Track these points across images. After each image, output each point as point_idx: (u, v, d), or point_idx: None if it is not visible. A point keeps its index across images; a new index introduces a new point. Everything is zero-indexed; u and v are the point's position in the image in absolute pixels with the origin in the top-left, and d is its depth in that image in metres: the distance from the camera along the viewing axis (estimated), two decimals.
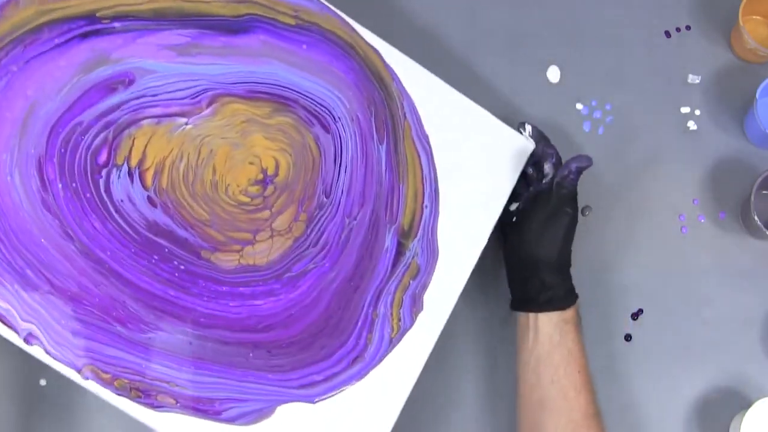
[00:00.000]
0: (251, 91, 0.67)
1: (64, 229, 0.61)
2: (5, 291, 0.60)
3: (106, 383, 0.60)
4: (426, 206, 0.67)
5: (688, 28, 0.82)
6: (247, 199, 0.65)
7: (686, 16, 0.83)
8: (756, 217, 0.72)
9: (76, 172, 0.62)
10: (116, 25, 0.64)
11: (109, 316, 0.61)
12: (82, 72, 0.63)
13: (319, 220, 0.66)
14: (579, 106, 0.80)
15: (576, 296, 0.68)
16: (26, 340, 0.60)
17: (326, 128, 0.67)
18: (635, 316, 0.76)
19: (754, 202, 0.72)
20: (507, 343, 0.74)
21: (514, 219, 0.71)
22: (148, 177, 0.64)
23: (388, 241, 0.66)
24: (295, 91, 0.67)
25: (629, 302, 0.76)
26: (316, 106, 0.68)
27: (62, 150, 0.62)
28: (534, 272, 0.67)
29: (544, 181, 0.70)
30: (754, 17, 0.81)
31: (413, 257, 0.66)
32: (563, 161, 0.77)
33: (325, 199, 0.66)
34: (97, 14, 0.64)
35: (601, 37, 0.82)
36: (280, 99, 0.67)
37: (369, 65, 0.69)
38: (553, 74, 0.81)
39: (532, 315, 0.66)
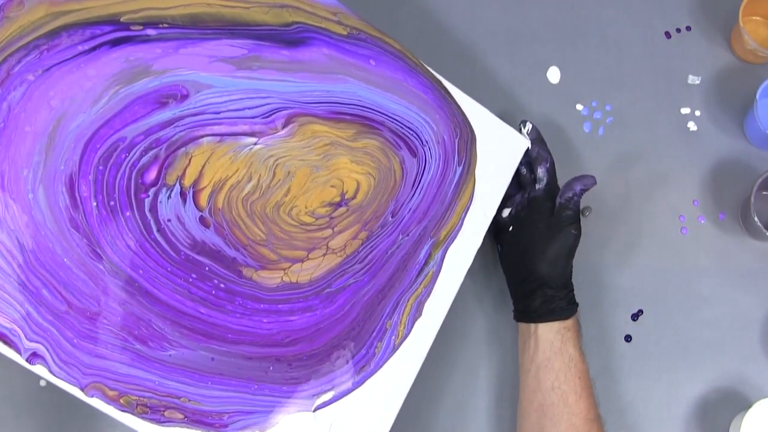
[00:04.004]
0: (333, 112, 0.64)
1: (92, 248, 0.58)
2: (13, 311, 0.57)
3: (111, 400, 0.58)
4: (461, 218, 0.68)
5: (688, 28, 0.82)
6: (311, 220, 0.63)
7: (686, 16, 0.83)
8: (756, 218, 0.72)
9: (117, 190, 0.59)
10: (150, 32, 0.60)
11: (130, 335, 0.59)
12: (121, 83, 0.59)
13: (377, 238, 0.65)
14: (579, 106, 0.80)
15: (576, 305, 0.68)
16: (29, 360, 0.57)
17: (413, 152, 0.66)
18: (635, 316, 0.76)
19: (754, 202, 0.72)
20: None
21: (510, 228, 0.71)
22: (203, 197, 0.61)
23: (422, 254, 0.66)
24: (381, 113, 0.65)
25: (629, 302, 0.76)
26: (403, 129, 0.66)
27: (100, 167, 0.58)
28: (537, 288, 0.67)
29: (537, 186, 0.70)
30: (754, 18, 0.81)
31: (432, 266, 0.66)
32: (562, 161, 0.77)
33: (390, 218, 0.65)
34: (122, 19, 0.59)
35: (601, 37, 0.82)
36: (365, 121, 0.65)
37: (433, 79, 0.67)
38: (553, 74, 0.81)
39: (533, 325, 0.67)
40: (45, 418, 0.72)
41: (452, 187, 0.67)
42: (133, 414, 0.59)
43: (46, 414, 0.72)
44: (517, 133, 0.71)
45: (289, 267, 0.63)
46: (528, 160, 0.72)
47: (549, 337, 0.66)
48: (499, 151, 0.70)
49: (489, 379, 0.74)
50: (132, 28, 0.59)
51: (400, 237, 0.65)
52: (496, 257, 0.75)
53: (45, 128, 0.58)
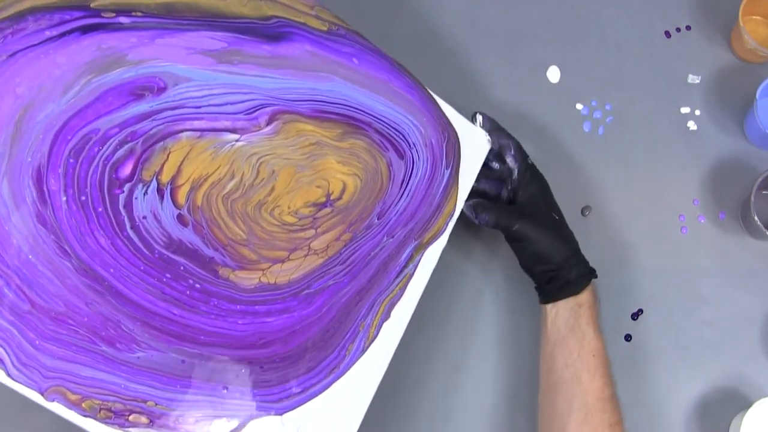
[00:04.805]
0: (318, 111, 0.62)
1: (60, 245, 0.55)
2: None
3: (73, 405, 0.55)
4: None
5: (688, 28, 0.82)
6: (293, 220, 0.62)
7: (686, 16, 0.83)
8: (756, 217, 0.72)
9: (89, 185, 0.56)
10: (123, 20, 0.56)
11: (97, 337, 0.56)
12: (93, 72, 0.56)
13: (360, 239, 0.64)
14: (579, 106, 0.80)
15: (590, 277, 0.68)
16: None
17: (400, 154, 0.65)
18: (635, 316, 0.76)
19: (754, 202, 0.72)
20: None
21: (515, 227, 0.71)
22: (181, 194, 0.58)
23: (404, 256, 0.65)
24: (367, 113, 0.64)
25: (629, 302, 0.76)
26: (390, 130, 0.65)
27: (71, 160, 0.55)
28: (542, 268, 0.67)
29: (514, 177, 0.70)
30: (754, 17, 0.81)
31: (411, 269, 0.66)
32: (562, 160, 0.77)
33: (376, 220, 0.64)
34: (91, 5, 0.56)
35: (601, 37, 0.82)
36: (351, 121, 0.64)
37: (415, 80, 0.67)
38: (553, 74, 0.81)
39: (550, 304, 0.67)
40: (45, 418, 0.72)
41: (440, 190, 0.67)
42: (95, 419, 0.55)
43: (47, 413, 0.72)
44: (481, 131, 0.71)
45: (269, 267, 0.61)
46: (496, 153, 0.72)
47: (564, 315, 0.66)
48: (465, 151, 0.69)
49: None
50: (104, 15, 0.56)
51: (385, 239, 0.64)
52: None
53: (10, 117, 0.54)
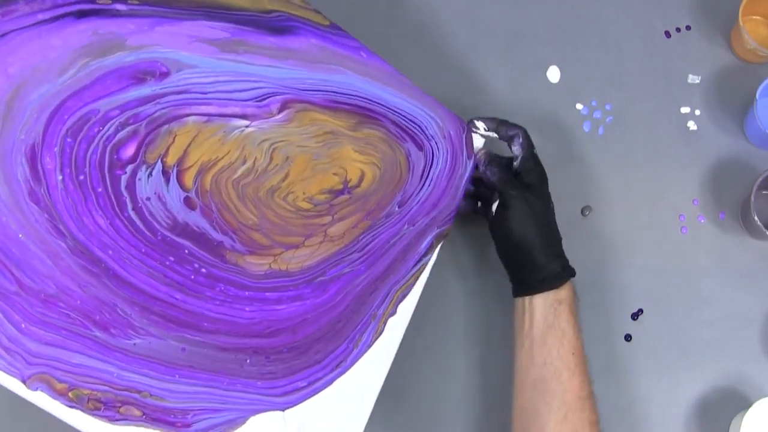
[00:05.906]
0: (331, 101, 0.62)
1: (54, 224, 0.53)
2: None
3: (59, 394, 0.53)
4: None
5: (688, 28, 0.82)
6: (309, 206, 0.61)
7: (686, 16, 0.83)
8: (756, 217, 0.72)
9: (88, 164, 0.54)
10: (119, 7, 0.56)
11: (90, 321, 0.53)
12: (90, 56, 0.55)
13: (380, 227, 0.63)
14: (579, 106, 0.80)
15: (570, 274, 0.66)
16: None
17: (419, 145, 0.64)
18: (635, 316, 0.76)
19: (754, 202, 0.72)
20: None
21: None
22: (188, 177, 0.57)
23: (424, 244, 0.64)
24: (381, 105, 0.64)
25: (629, 302, 0.76)
26: (406, 122, 0.64)
27: (68, 139, 0.54)
28: (522, 255, 0.66)
29: (515, 165, 0.68)
30: (754, 17, 0.81)
31: (429, 258, 0.64)
32: (562, 160, 0.77)
33: (397, 209, 0.63)
34: None
35: (601, 37, 0.82)
36: (365, 111, 0.63)
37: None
38: (553, 74, 0.81)
39: (527, 298, 0.66)
40: (43, 418, 0.72)
41: (464, 181, 0.66)
42: (82, 410, 0.53)
43: (45, 413, 0.72)
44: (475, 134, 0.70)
45: (281, 253, 0.59)
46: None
47: (542, 311, 0.65)
48: None
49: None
50: (99, 1, 0.56)
51: (406, 227, 0.63)
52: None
53: (1, 96, 0.53)
